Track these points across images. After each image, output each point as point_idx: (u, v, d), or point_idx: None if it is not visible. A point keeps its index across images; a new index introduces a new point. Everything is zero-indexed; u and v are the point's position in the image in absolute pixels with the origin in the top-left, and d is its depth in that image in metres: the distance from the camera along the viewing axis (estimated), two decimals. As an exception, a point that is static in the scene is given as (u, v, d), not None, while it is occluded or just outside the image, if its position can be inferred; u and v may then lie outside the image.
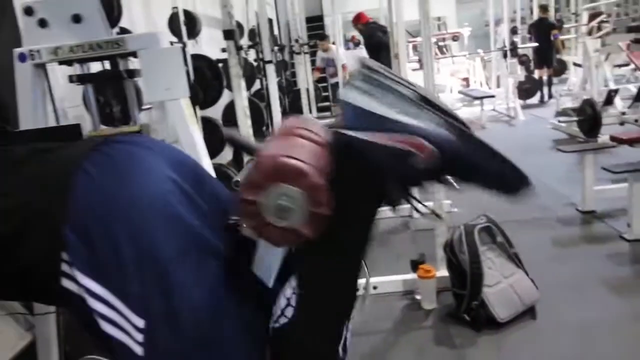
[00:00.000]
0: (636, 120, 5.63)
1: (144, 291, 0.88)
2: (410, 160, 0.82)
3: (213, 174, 1.52)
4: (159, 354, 0.89)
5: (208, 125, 3.54)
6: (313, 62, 8.42)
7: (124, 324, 0.87)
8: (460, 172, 0.88)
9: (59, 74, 2.17)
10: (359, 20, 6.53)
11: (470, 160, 0.86)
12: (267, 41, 3.99)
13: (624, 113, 5.76)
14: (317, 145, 0.85)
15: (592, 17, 8.32)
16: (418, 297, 2.55)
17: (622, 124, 5.65)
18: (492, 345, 2.17)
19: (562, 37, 8.96)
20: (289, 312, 0.92)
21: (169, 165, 1.01)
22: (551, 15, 9.39)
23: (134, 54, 1.68)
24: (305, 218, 0.83)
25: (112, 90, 2.00)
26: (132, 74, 1.89)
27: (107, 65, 2.04)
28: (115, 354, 0.89)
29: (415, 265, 2.54)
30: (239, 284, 1.00)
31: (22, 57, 1.61)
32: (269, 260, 0.97)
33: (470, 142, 0.86)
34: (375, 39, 6.11)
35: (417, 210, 0.94)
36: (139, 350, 0.87)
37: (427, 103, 0.85)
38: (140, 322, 0.87)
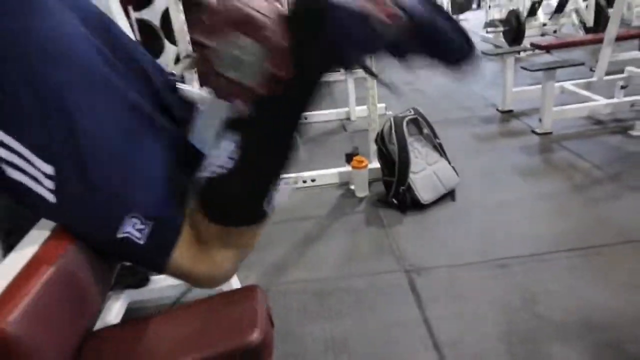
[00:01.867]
0: (555, 31, 5.97)
1: (50, 137, 0.85)
2: (373, 25, 0.80)
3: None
4: (70, 200, 0.88)
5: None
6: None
7: (32, 170, 0.85)
8: (424, 42, 0.89)
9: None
10: None
11: (437, 31, 0.88)
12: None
13: (545, 24, 6.08)
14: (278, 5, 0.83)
15: None
16: (352, 186, 2.77)
17: (543, 35, 5.98)
18: (416, 223, 2.43)
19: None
20: (229, 164, 0.91)
21: (68, 7, 0.96)
22: None
23: None
24: (259, 76, 0.79)
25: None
26: None
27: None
28: (27, 204, 0.87)
29: (349, 158, 2.74)
30: (159, 137, 0.99)
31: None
32: (205, 129, 0.97)
33: (441, 15, 0.89)
34: None
35: (372, 74, 0.98)
36: (51, 197, 0.86)
37: None
38: (49, 169, 0.85)
